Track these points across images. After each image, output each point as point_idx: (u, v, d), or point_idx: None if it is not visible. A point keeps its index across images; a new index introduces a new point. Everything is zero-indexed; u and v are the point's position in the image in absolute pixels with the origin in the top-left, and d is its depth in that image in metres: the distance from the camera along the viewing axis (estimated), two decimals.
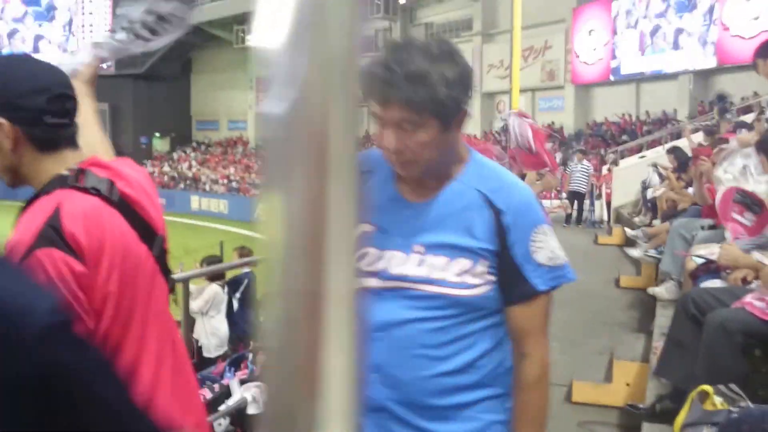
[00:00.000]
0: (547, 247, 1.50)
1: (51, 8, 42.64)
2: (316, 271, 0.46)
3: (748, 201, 3.47)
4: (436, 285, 1.47)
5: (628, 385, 4.29)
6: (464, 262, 1.47)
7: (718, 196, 3.69)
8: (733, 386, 2.21)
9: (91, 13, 42.43)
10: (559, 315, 6.67)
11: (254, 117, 43.10)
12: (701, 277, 3.82)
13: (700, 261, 3.81)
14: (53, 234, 1.25)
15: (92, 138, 1.66)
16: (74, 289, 1.24)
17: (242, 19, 38.37)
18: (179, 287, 2.88)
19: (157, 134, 44.38)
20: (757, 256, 3.01)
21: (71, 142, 1.42)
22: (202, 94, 45.11)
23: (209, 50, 43.78)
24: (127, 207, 1.40)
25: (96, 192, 1.35)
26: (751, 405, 2.07)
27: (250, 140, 42.58)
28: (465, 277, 1.47)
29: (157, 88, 42.73)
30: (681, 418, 2.26)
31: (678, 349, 3.22)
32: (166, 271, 1.52)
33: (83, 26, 42.41)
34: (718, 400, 2.16)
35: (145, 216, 1.45)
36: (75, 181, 1.34)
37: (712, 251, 3.63)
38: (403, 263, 1.49)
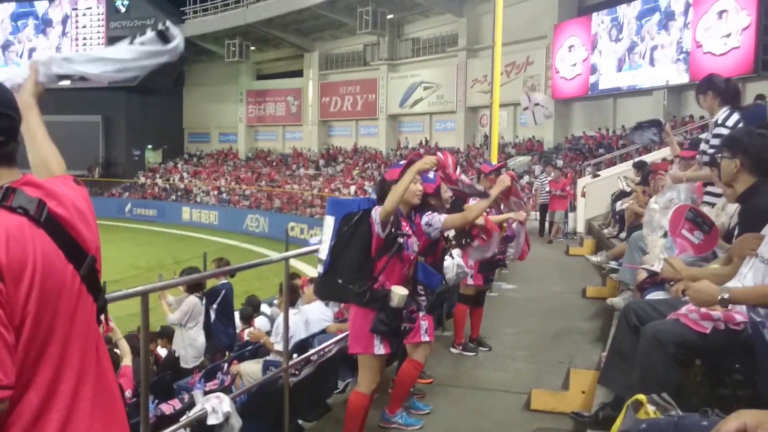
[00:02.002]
0: None
1: (46, 21, 43.05)
2: None
3: (699, 220, 3.50)
4: None
5: (583, 392, 4.32)
6: None
7: (671, 212, 3.68)
8: (665, 395, 2.19)
9: (84, 27, 42.84)
10: (526, 325, 7.17)
11: (244, 130, 43.52)
12: (648, 289, 3.86)
13: (648, 272, 3.84)
14: None
15: (44, 151, 1.68)
16: None
17: (233, 34, 38.83)
18: (137, 300, 2.95)
19: (150, 146, 44.55)
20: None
21: (7, 159, 1.42)
22: (193, 106, 45.32)
23: (201, 64, 44.00)
24: (55, 226, 1.37)
25: (23, 211, 1.33)
26: (680, 413, 2.08)
27: (240, 152, 43.03)
28: None
29: (149, 101, 42.88)
30: (616, 426, 2.23)
31: (619, 359, 3.22)
32: (96, 290, 1.48)
33: (76, 39, 42.79)
34: (651, 408, 2.14)
35: (75, 236, 1.42)
36: (3, 199, 1.33)
37: (658, 263, 3.67)
38: None
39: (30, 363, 1.30)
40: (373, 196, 3.85)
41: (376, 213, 3.59)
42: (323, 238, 3.71)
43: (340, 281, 3.63)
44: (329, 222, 3.69)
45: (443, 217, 4.22)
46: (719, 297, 2.42)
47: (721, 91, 4.87)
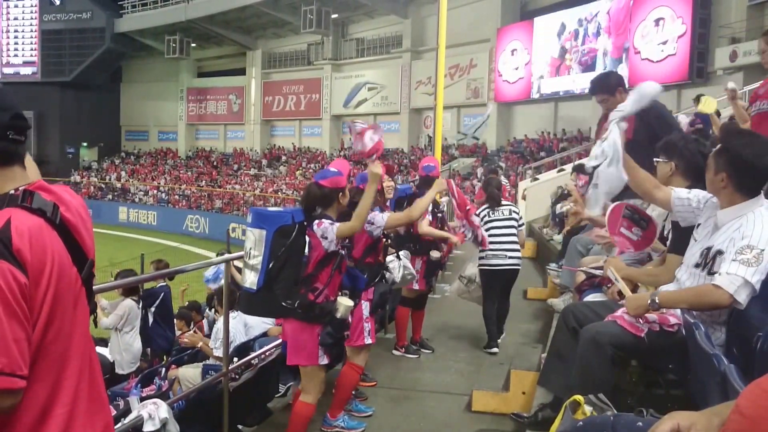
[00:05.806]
0: None
1: None
2: None
3: (636, 217, 3.51)
4: None
5: (524, 393, 4.36)
6: None
7: (608, 211, 3.69)
8: (601, 396, 2.23)
9: (16, 19, 41.36)
10: (467, 327, 7.11)
11: (184, 128, 42.66)
12: (586, 291, 3.87)
13: (587, 275, 3.88)
14: (2, 247, 1.33)
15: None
16: (18, 298, 1.32)
17: (174, 30, 38.05)
18: None
19: (85, 144, 43.26)
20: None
21: (22, 160, 1.52)
22: (131, 103, 44.19)
23: (140, 60, 43.00)
24: (65, 230, 1.47)
25: (41, 213, 1.42)
26: (616, 413, 2.09)
27: (180, 151, 42.16)
28: None
29: (85, 97, 41.65)
30: (555, 426, 2.28)
31: (559, 360, 3.25)
32: (90, 294, 1.58)
33: (7, 32, 41.30)
34: (588, 409, 2.17)
35: (79, 240, 1.51)
36: (23, 200, 1.42)
37: (596, 266, 3.72)
38: None
39: (39, 358, 1.38)
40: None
41: (329, 230, 3.50)
42: (251, 253, 3.53)
43: (281, 299, 3.50)
44: (258, 236, 3.49)
45: (386, 215, 4.18)
46: (648, 301, 2.61)
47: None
